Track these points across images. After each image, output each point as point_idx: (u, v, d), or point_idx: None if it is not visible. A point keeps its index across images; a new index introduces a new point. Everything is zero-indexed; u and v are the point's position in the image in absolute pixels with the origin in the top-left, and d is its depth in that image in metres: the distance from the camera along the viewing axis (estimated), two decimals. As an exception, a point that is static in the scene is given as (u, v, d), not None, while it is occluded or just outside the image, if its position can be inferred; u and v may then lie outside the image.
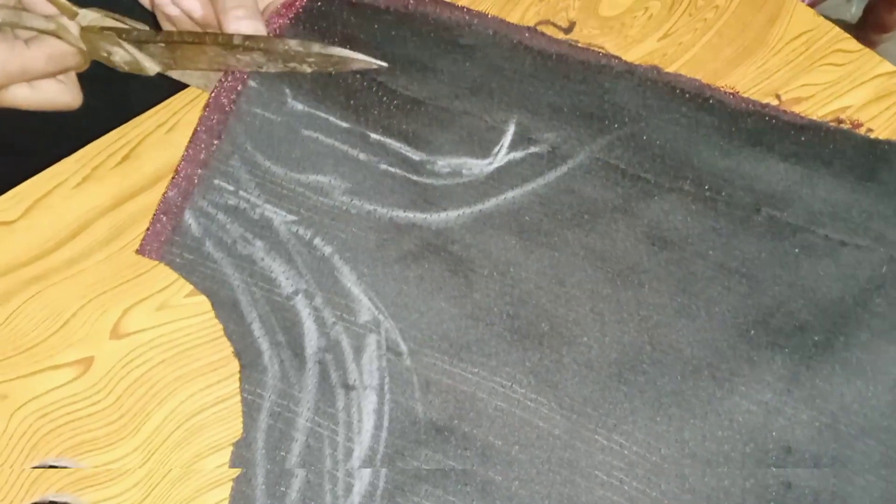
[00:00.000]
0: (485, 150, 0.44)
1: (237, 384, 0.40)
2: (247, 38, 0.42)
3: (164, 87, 0.47)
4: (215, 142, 0.43)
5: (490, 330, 0.39)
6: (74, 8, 0.43)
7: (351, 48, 0.46)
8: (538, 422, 0.38)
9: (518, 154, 0.43)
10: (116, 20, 0.44)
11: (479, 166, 0.43)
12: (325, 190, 0.42)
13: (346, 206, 0.42)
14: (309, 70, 0.43)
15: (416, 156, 0.43)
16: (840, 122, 0.46)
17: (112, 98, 0.49)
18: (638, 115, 0.44)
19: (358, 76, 0.45)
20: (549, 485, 0.36)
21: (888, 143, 0.44)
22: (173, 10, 0.45)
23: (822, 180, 0.43)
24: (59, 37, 0.43)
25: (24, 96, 0.43)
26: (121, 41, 0.44)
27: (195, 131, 0.43)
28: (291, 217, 0.42)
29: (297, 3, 0.46)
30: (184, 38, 0.43)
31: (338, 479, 0.37)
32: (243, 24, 0.42)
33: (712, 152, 0.44)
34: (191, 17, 0.45)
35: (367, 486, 0.36)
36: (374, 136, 0.43)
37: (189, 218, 0.41)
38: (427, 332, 0.39)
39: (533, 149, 0.44)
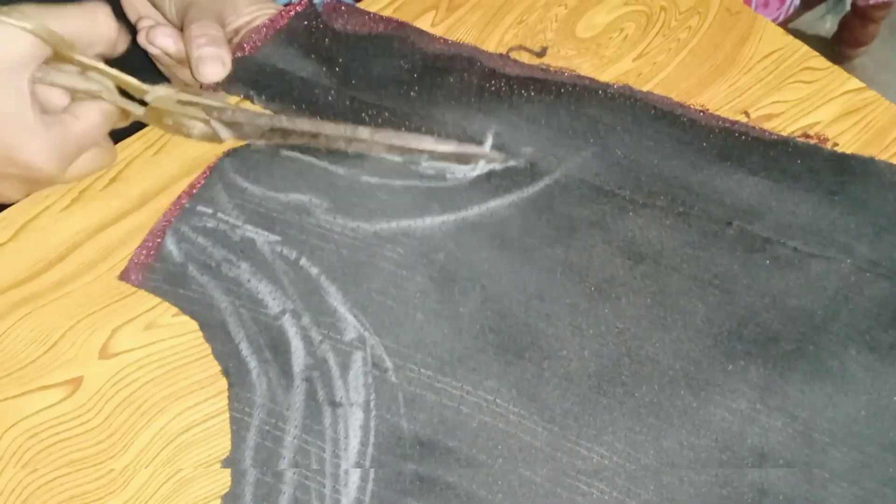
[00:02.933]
0: (467, 157, 0.45)
1: (225, 402, 0.40)
2: (375, 132, 0.44)
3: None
4: (205, 171, 0.44)
5: (473, 344, 0.40)
6: (144, 87, 0.43)
7: (328, 68, 0.47)
8: (521, 434, 0.38)
9: (498, 166, 0.45)
10: (190, 93, 0.44)
11: (462, 171, 0.44)
12: (307, 208, 0.43)
13: (331, 224, 0.43)
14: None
15: (398, 158, 0.44)
16: (808, 137, 0.47)
17: None
18: (611, 131, 0.46)
19: (332, 93, 0.46)
20: (532, 497, 0.37)
21: (854, 157, 0.46)
22: (153, 50, 0.46)
23: (791, 194, 0.44)
24: (102, 97, 0.42)
25: (78, 170, 0.43)
26: (210, 119, 0.43)
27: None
28: (275, 237, 0.42)
29: (280, 22, 0.47)
30: (295, 124, 0.44)
31: (325, 496, 0.37)
32: (205, 49, 0.44)
33: (684, 168, 0.45)
34: (167, 54, 0.46)
35: (353, 502, 0.37)
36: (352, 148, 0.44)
37: (169, 244, 0.42)
38: (412, 346, 0.40)
39: (511, 162, 0.45)
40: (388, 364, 0.40)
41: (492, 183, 0.44)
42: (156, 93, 0.43)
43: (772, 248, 0.43)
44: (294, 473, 0.38)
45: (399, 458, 0.38)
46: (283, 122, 0.44)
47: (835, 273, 0.42)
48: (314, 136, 0.44)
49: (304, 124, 0.44)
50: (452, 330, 0.41)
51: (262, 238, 0.42)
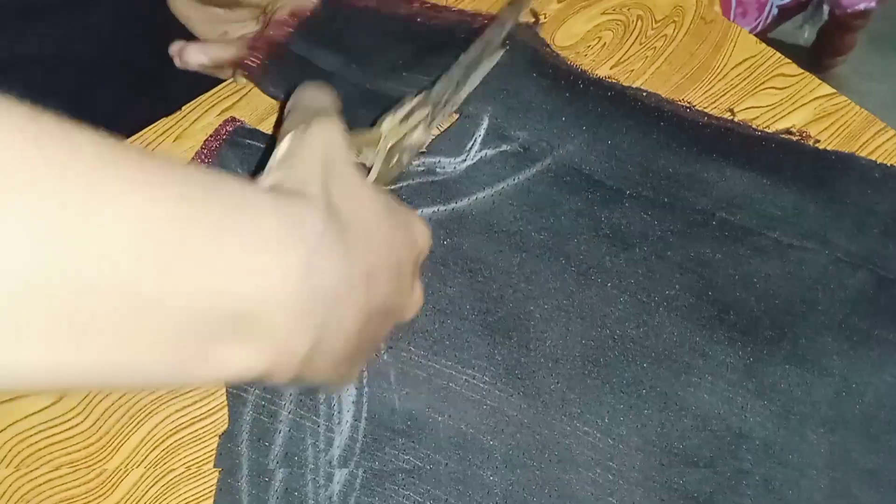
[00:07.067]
0: (459, 147, 0.46)
1: (212, 404, 0.41)
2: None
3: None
4: (207, 163, 0.45)
5: (463, 324, 0.41)
6: (373, 130, 0.39)
7: (346, 56, 0.50)
8: (508, 411, 0.39)
9: (490, 151, 0.46)
10: (400, 106, 0.41)
11: (452, 164, 0.45)
12: None
13: None
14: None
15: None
16: (790, 133, 0.48)
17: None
18: (602, 121, 0.47)
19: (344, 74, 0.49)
20: (515, 470, 0.38)
21: (835, 153, 0.47)
22: (192, 67, 0.51)
23: (773, 187, 0.45)
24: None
25: None
26: (429, 108, 0.41)
27: (196, 154, 0.46)
28: None
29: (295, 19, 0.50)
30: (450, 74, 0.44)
31: (319, 469, 0.38)
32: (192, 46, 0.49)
33: (670, 160, 0.46)
34: (204, 66, 0.50)
35: (347, 475, 0.38)
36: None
37: None
38: (403, 327, 0.41)
39: (504, 146, 0.46)
40: (381, 345, 0.41)
41: (482, 172, 0.45)
42: (383, 126, 0.40)
43: (753, 238, 0.44)
44: (290, 447, 0.38)
45: (391, 432, 0.39)
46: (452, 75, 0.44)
47: (813, 263, 0.43)
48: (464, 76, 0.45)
49: (455, 73, 0.44)
50: (443, 310, 0.41)
51: None
